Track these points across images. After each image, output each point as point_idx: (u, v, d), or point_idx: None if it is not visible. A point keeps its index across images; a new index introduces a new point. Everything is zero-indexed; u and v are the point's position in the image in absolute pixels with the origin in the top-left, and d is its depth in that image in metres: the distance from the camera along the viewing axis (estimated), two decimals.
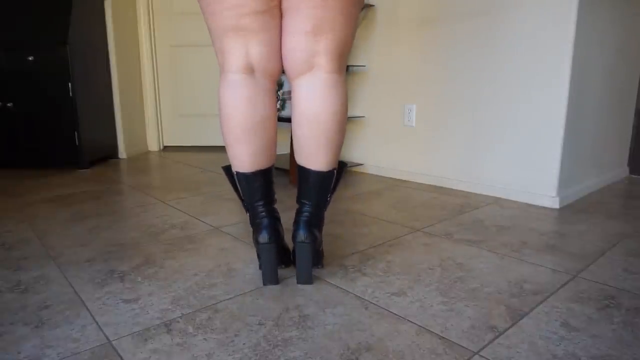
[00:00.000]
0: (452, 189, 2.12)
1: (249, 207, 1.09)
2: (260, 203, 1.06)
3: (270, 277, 1.09)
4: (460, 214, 1.71)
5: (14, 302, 1.03)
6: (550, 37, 1.72)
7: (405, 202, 1.90)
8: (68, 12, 2.53)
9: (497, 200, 1.91)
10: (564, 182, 1.83)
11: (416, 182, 2.27)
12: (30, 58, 2.51)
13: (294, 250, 1.11)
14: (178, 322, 0.94)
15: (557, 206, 1.79)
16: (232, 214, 1.72)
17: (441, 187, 2.16)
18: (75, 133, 2.60)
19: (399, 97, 2.30)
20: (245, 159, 1.03)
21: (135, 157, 3.19)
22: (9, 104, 2.56)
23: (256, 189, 1.06)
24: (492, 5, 1.88)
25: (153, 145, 3.48)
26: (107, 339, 0.88)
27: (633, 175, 2.42)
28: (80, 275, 1.18)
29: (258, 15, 0.95)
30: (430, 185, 2.20)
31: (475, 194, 2.02)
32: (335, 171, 1.09)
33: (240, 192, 1.09)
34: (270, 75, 1.03)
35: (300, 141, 1.05)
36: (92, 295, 1.06)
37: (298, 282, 1.10)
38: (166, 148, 3.55)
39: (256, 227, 1.06)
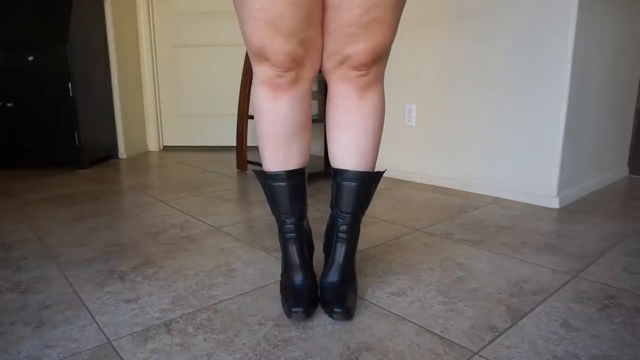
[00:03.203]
0: (452, 189, 2.12)
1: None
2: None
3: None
4: (460, 214, 1.71)
5: (14, 302, 1.03)
6: (550, 37, 1.72)
7: (405, 202, 1.90)
8: (68, 12, 2.53)
9: (497, 200, 1.91)
10: (564, 182, 1.83)
11: (416, 182, 2.27)
12: (30, 58, 2.51)
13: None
14: (178, 322, 0.94)
15: (557, 206, 1.79)
16: (232, 214, 1.72)
17: (441, 187, 2.16)
18: (75, 133, 2.60)
19: (399, 97, 2.30)
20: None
21: (135, 157, 3.19)
22: (9, 104, 2.56)
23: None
24: (492, 5, 1.87)
25: (153, 145, 3.48)
26: (107, 339, 0.88)
27: (633, 175, 2.42)
28: (80, 275, 1.18)
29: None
30: (430, 185, 2.20)
31: (475, 194, 2.02)
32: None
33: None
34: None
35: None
36: (92, 295, 1.06)
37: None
38: (166, 148, 3.55)
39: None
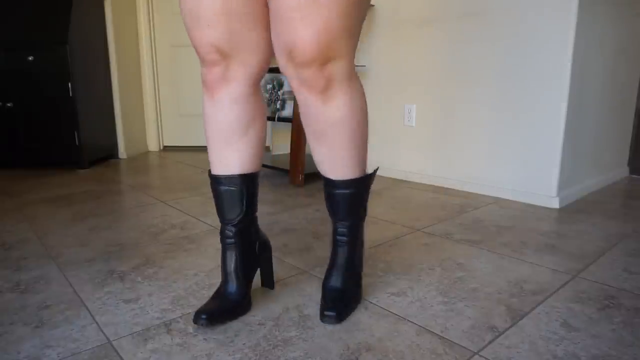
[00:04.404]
0: (452, 189, 2.12)
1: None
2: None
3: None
4: (460, 214, 1.71)
5: (14, 302, 1.03)
6: (550, 37, 1.72)
7: (405, 202, 1.90)
8: (68, 11, 2.53)
9: (497, 200, 1.91)
10: (564, 182, 1.83)
11: (416, 182, 2.27)
12: (30, 58, 2.51)
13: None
14: (178, 322, 0.94)
15: (557, 206, 1.79)
16: None
17: (441, 187, 2.16)
18: (75, 133, 2.60)
19: (399, 97, 2.30)
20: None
21: (135, 157, 3.19)
22: (9, 104, 2.56)
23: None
24: (492, 5, 1.87)
25: (153, 145, 3.48)
26: (107, 339, 0.88)
27: (633, 175, 2.42)
28: (80, 275, 1.18)
29: None
30: (430, 185, 2.20)
31: (475, 194, 2.02)
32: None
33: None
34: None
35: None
36: (92, 295, 1.06)
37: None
38: (166, 148, 3.55)
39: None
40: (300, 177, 2.19)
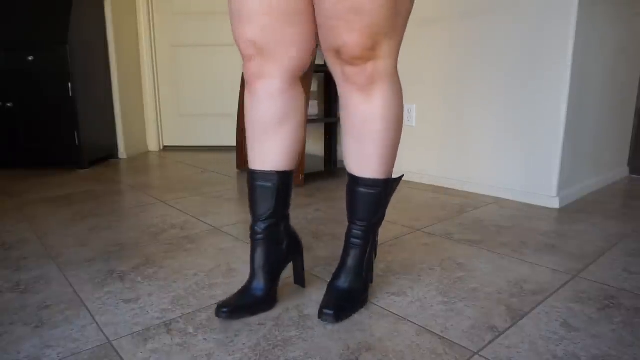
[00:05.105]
0: (452, 189, 2.12)
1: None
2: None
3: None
4: (460, 214, 1.71)
5: (14, 302, 1.03)
6: (550, 37, 1.72)
7: (405, 202, 1.90)
8: (67, 12, 2.53)
9: (497, 200, 1.91)
10: (564, 182, 1.83)
11: (416, 182, 2.27)
12: (30, 58, 2.51)
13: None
14: (178, 322, 0.94)
15: (557, 206, 1.79)
16: (232, 214, 1.72)
17: (441, 187, 2.16)
18: (75, 133, 2.60)
19: None
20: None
21: (135, 157, 3.19)
22: (8, 104, 2.56)
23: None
24: (492, 5, 1.87)
25: (153, 145, 3.48)
26: (107, 339, 0.88)
27: (633, 175, 2.42)
28: (80, 275, 1.18)
29: None
30: (430, 185, 2.20)
31: (475, 194, 2.02)
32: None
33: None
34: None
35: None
36: (92, 295, 1.06)
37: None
38: (166, 148, 3.55)
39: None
40: (300, 177, 2.19)
